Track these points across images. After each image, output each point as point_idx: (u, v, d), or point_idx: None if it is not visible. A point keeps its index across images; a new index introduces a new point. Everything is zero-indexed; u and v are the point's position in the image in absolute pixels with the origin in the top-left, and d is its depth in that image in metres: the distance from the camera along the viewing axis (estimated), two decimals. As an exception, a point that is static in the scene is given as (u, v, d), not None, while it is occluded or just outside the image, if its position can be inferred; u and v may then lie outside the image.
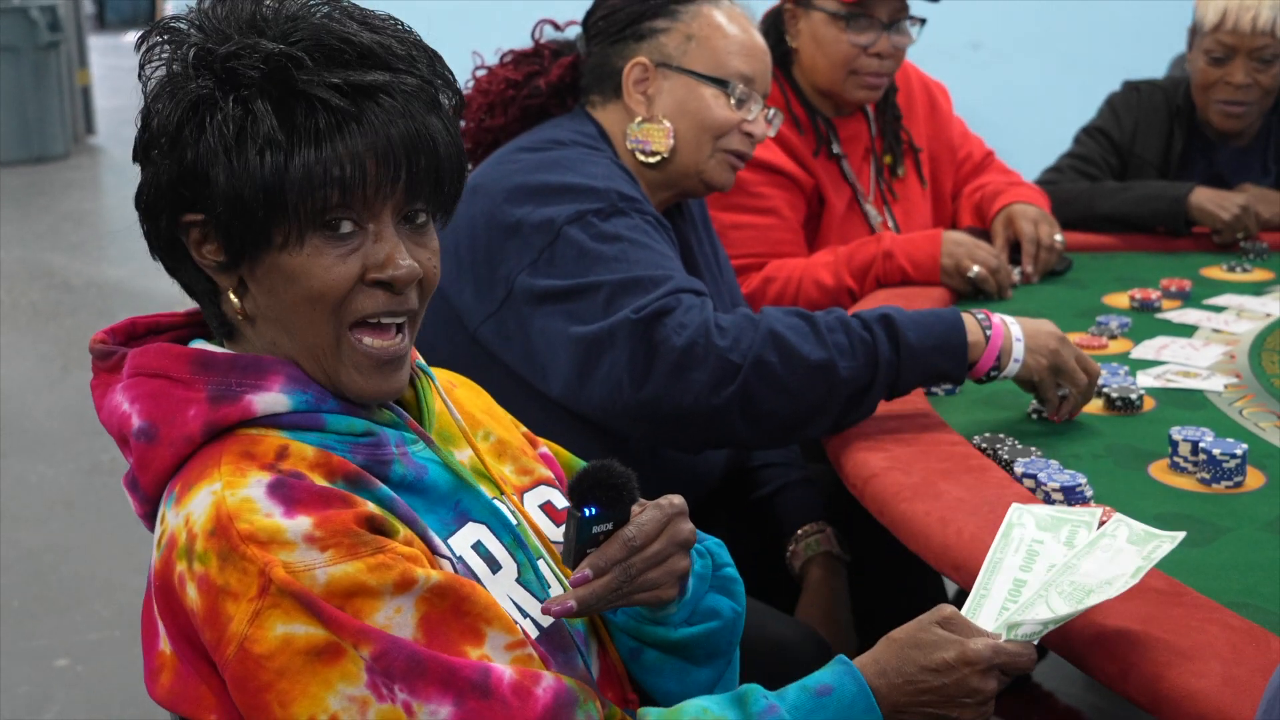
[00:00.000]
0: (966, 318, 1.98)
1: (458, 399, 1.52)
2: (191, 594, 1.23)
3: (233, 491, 1.24)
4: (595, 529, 1.33)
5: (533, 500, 1.49)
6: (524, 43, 2.32)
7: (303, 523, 1.22)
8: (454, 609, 1.26)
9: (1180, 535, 1.47)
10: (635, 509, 1.36)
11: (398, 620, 1.23)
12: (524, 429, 1.62)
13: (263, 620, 1.20)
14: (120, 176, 9.46)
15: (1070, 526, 1.54)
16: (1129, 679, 1.39)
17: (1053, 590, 1.44)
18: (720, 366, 1.89)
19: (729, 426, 1.92)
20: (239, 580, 1.21)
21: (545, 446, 1.61)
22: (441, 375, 1.54)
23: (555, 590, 1.41)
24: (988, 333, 1.97)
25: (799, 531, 2.29)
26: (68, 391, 5.26)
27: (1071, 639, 1.47)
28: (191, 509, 1.25)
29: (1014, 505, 1.57)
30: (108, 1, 17.62)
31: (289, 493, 1.24)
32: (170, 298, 1.40)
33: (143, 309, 1.44)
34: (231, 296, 1.33)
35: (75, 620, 3.58)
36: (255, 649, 1.21)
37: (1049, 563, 1.48)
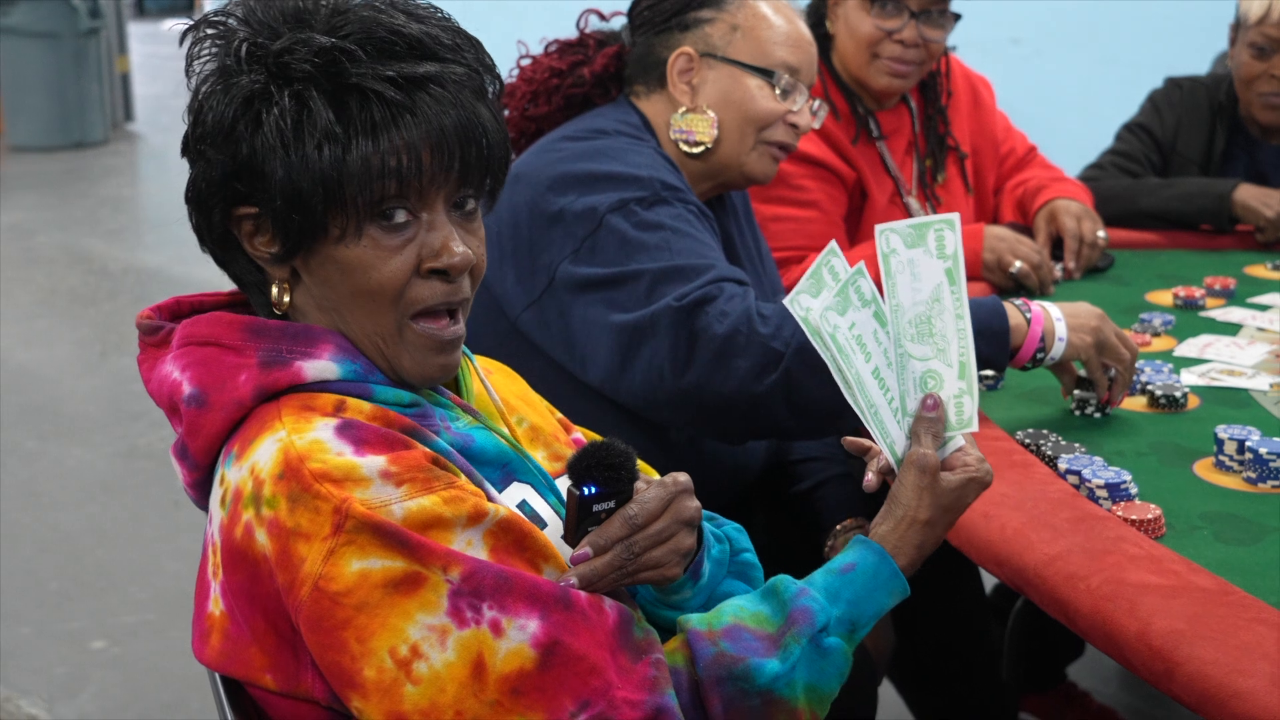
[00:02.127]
0: (1006, 304, 1.98)
1: (493, 384, 1.53)
2: (261, 539, 1.24)
3: (300, 435, 1.26)
4: (597, 507, 1.32)
5: (563, 486, 1.49)
6: (569, 33, 2.32)
7: (376, 460, 1.24)
8: (517, 543, 1.28)
9: (954, 216, 1.46)
10: (640, 485, 1.35)
11: (470, 551, 1.25)
12: (559, 415, 1.63)
13: (337, 558, 1.21)
14: (158, 163, 9.51)
15: (830, 277, 1.44)
16: (1175, 678, 1.38)
17: (904, 340, 1.45)
18: (763, 354, 1.88)
19: (772, 415, 1.91)
20: (310, 521, 1.22)
21: (579, 433, 1.61)
22: (479, 360, 1.55)
23: None
24: (1028, 316, 1.97)
25: (838, 526, 2.28)
26: (105, 376, 5.30)
27: (1117, 637, 1.46)
28: (256, 459, 1.26)
29: (793, 304, 1.44)
30: (147, -11, 17.70)
31: (357, 433, 1.26)
32: (206, 284, 1.42)
33: (179, 295, 1.45)
34: (275, 290, 1.35)
35: (111, 603, 3.60)
36: (331, 587, 1.21)
37: (871, 329, 1.44)
